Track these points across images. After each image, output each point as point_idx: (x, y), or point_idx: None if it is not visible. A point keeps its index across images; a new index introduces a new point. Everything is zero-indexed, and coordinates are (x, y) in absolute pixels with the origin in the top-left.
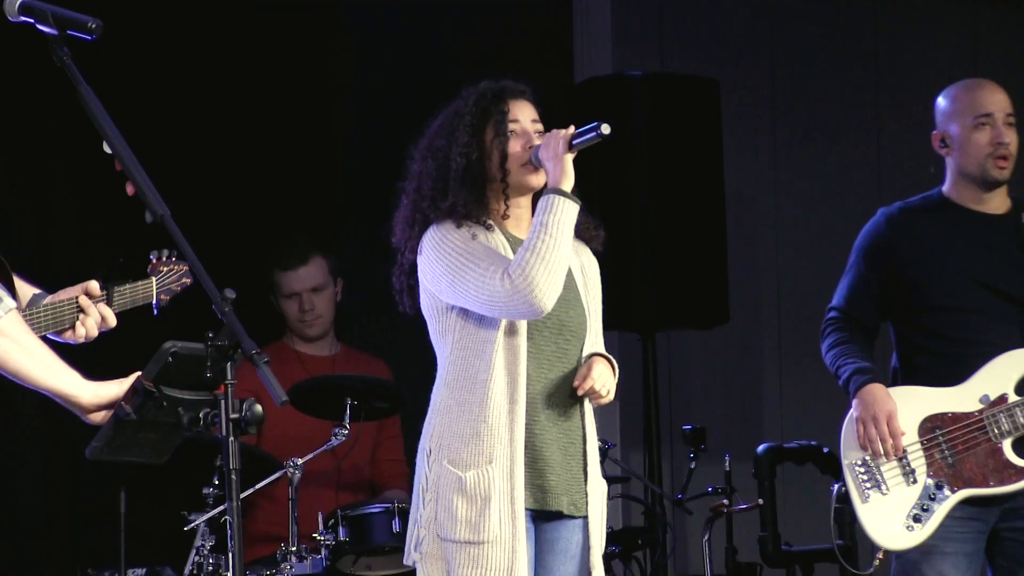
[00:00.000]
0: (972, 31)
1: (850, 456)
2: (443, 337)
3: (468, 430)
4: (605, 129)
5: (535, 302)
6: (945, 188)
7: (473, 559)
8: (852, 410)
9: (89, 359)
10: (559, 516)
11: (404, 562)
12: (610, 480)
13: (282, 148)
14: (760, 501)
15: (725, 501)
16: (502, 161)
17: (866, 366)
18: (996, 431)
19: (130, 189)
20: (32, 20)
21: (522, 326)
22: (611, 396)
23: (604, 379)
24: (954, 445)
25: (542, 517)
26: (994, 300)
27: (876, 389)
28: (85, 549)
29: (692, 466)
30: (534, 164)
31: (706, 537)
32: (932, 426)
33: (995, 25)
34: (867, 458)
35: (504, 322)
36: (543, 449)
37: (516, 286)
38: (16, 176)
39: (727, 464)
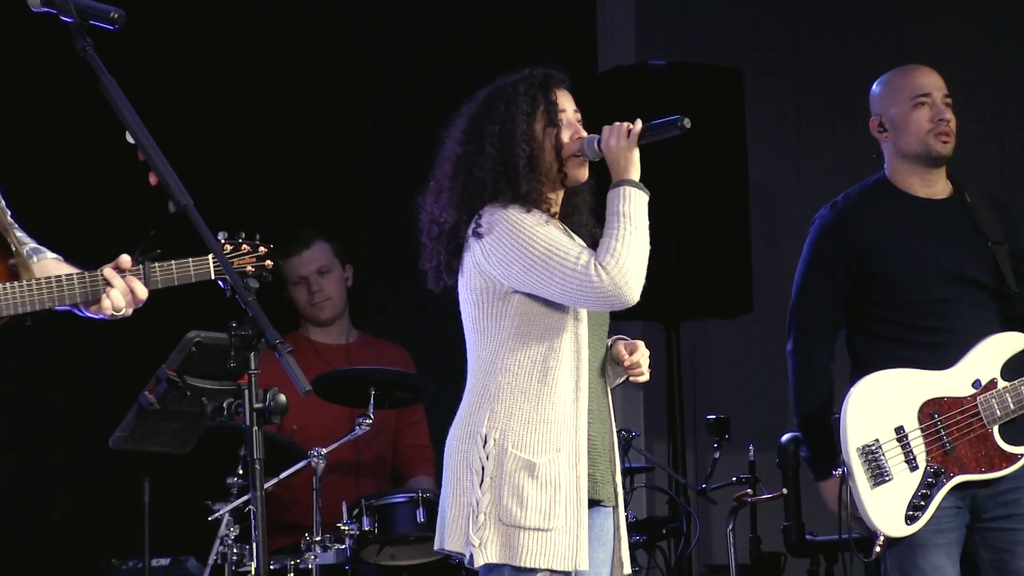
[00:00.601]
0: (997, 21)
1: (855, 440)
2: (496, 322)
3: (535, 417)
4: (687, 123)
5: (628, 295)
6: (887, 174)
7: (541, 545)
8: (867, 392)
9: (114, 348)
10: (595, 505)
11: (444, 547)
12: (634, 470)
13: (300, 139)
14: (784, 491)
15: (749, 491)
16: (557, 152)
17: (826, 454)
18: (988, 416)
19: (153, 179)
20: (55, 10)
21: (585, 314)
22: (647, 376)
23: (647, 355)
24: (951, 430)
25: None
26: (965, 288)
27: (827, 488)
28: (109, 539)
29: (716, 456)
30: (584, 155)
31: (730, 527)
32: (931, 411)
33: (1020, 17)
34: (872, 444)
35: (571, 309)
36: (595, 438)
37: (613, 279)
38: (38, 166)
39: (751, 453)
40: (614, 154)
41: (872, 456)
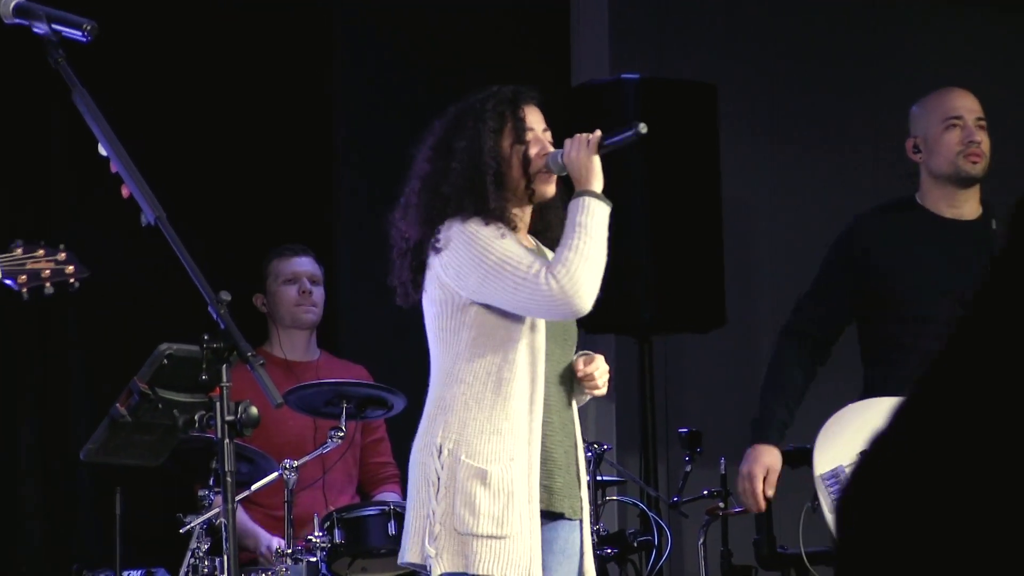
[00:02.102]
0: (971, 37)
1: (819, 467)
2: (455, 334)
3: (489, 427)
4: (643, 128)
5: (578, 304)
6: (919, 194)
7: (495, 553)
8: (835, 420)
9: (86, 360)
10: (557, 517)
11: (405, 559)
12: (606, 483)
13: (276, 154)
14: None
15: (721, 504)
16: (524, 168)
17: (767, 423)
18: None
19: (125, 191)
20: (27, 22)
21: (542, 325)
22: (604, 390)
23: (603, 369)
24: None
25: (544, 517)
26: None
27: (758, 449)
28: (81, 551)
29: (688, 469)
30: (551, 170)
31: (701, 540)
32: None
33: (994, 32)
34: (836, 470)
35: (528, 320)
36: (552, 450)
37: (563, 288)
38: (14, 176)
39: (723, 467)
40: (575, 165)
41: (836, 482)
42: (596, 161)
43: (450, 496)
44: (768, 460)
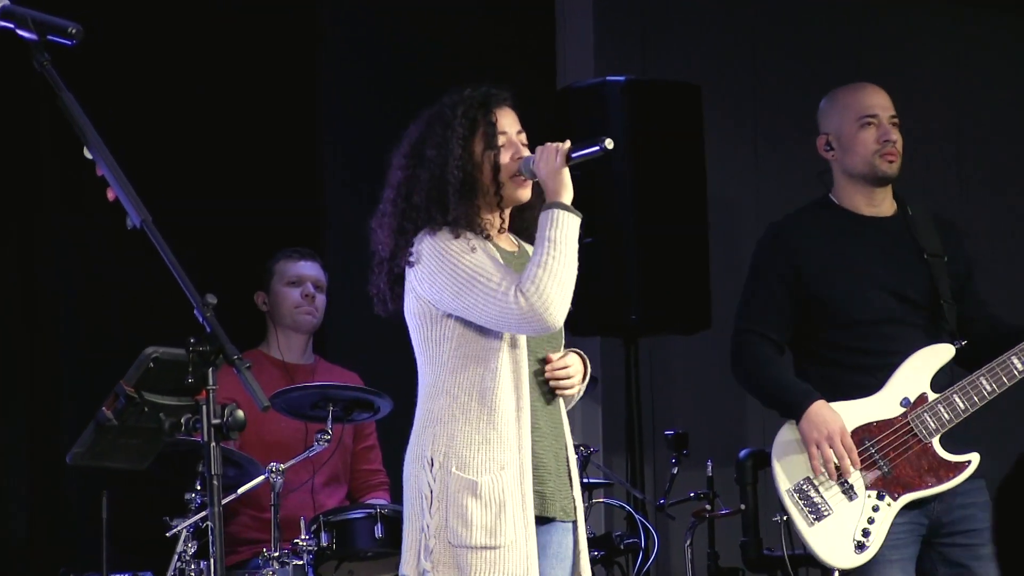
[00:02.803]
0: (953, 38)
1: (784, 483)
2: (436, 346)
3: (477, 437)
4: (609, 144)
5: (549, 320)
6: (833, 193)
7: (490, 564)
8: (789, 434)
9: (72, 364)
10: (549, 521)
11: (402, 573)
12: (593, 485)
13: (265, 161)
14: (742, 506)
15: (707, 506)
16: (495, 174)
17: (801, 386)
18: (924, 431)
19: (111, 195)
20: (12, 25)
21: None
22: (574, 391)
23: (574, 368)
24: (886, 453)
25: (538, 522)
26: (903, 307)
27: (821, 411)
28: (67, 554)
29: (674, 471)
30: (524, 175)
31: (688, 542)
32: (861, 438)
33: (976, 33)
34: (801, 483)
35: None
36: (542, 455)
37: (532, 304)
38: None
39: (709, 469)
40: (545, 175)
41: (803, 495)
42: (565, 172)
43: (443, 509)
44: (837, 419)
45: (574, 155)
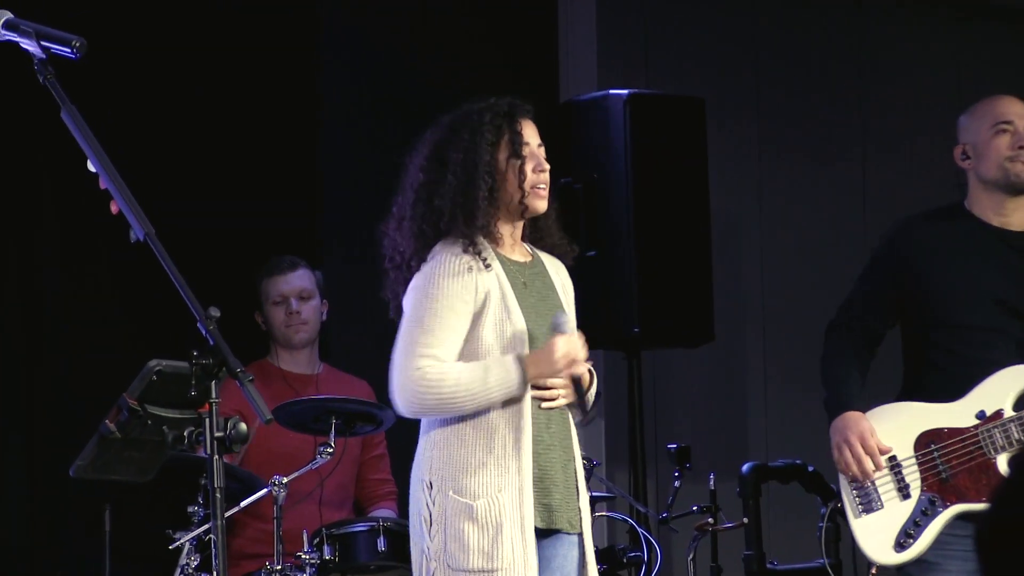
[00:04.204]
0: (956, 50)
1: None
2: None
3: (474, 461)
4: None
5: (400, 407)
6: (967, 200)
7: None
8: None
9: (74, 376)
10: (555, 533)
11: None
12: (595, 499)
13: (265, 168)
14: (745, 520)
15: (710, 520)
16: (519, 183)
17: (844, 393)
18: (991, 447)
19: (114, 208)
20: (16, 38)
21: (523, 348)
22: (559, 403)
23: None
24: (949, 460)
25: (543, 535)
26: (1008, 319)
27: (847, 417)
28: (70, 567)
29: (677, 485)
30: (555, 329)
31: (691, 556)
32: (927, 441)
33: (978, 44)
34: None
35: (509, 349)
36: (548, 468)
37: (403, 386)
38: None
39: (712, 483)
40: (545, 360)
41: (859, 486)
42: (553, 374)
43: (441, 532)
44: (860, 423)
45: (575, 403)
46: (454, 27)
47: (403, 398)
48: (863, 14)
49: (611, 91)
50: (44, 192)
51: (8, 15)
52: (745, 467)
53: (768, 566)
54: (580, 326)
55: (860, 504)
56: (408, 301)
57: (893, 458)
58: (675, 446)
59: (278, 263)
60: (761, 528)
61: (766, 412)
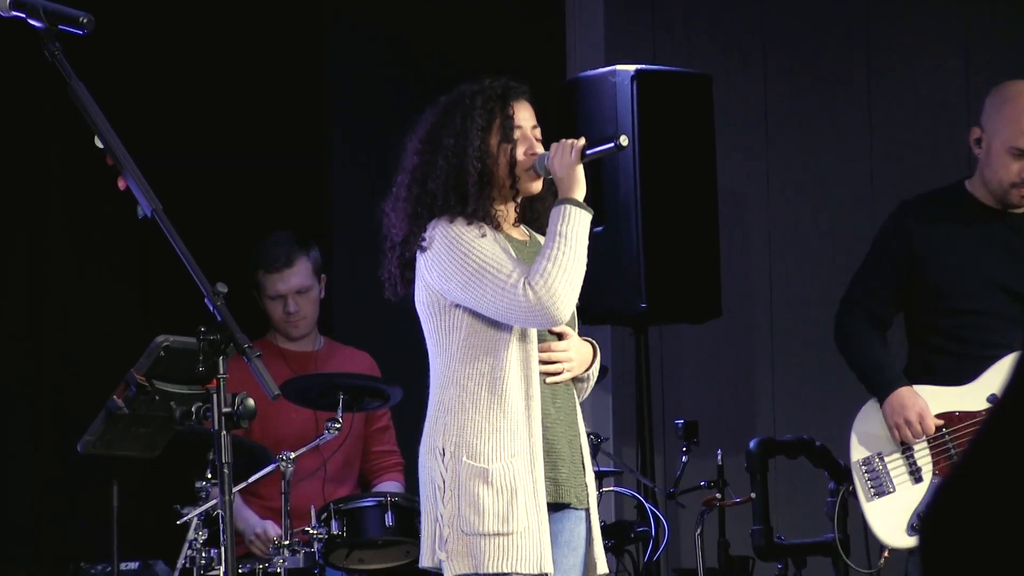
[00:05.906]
0: (965, 26)
1: (856, 455)
2: (446, 336)
3: (487, 426)
4: (624, 141)
5: (555, 314)
6: (969, 182)
7: (503, 550)
8: (872, 409)
9: (81, 352)
10: (563, 507)
11: (422, 565)
12: (603, 474)
13: (271, 141)
14: (752, 495)
15: (718, 495)
16: (511, 167)
17: (888, 371)
18: None
19: (121, 184)
20: (24, 15)
21: None
22: (563, 377)
23: (570, 354)
24: (960, 443)
25: (551, 509)
26: (1010, 303)
27: (901, 394)
28: (78, 543)
29: (684, 460)
30: (537, 172)
31: (699, 531)
32: (940, 425)
33: (988, 20)
34: (871, 457)
35: None
36: (555, 442)
37: (540, 298)
38: (13, 163)
39: (719, 458)
40: (559, 172)
41: (871, 469)
42: (579, 169)
43: (455, 498)
44: (917, 401)
45: (588, 152)
46: (461, 6)
47: (546, 314)
48: None
49: (618, 67)
50: (52, 171)
51: None
52: (752, 442)
53: (776, 541)
54: (587, 301)
55: (872, 487)
56: (446, 268)
57: (904, 442)
58: (682, 421)
59: (274, 257)
60: (768, 503)
61: (773, 387)
